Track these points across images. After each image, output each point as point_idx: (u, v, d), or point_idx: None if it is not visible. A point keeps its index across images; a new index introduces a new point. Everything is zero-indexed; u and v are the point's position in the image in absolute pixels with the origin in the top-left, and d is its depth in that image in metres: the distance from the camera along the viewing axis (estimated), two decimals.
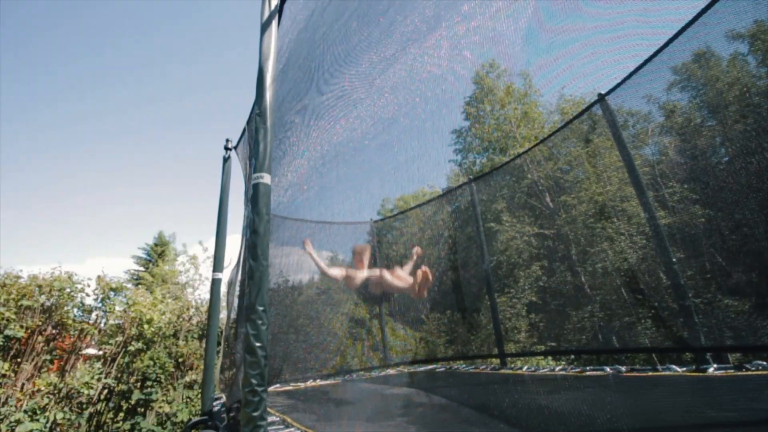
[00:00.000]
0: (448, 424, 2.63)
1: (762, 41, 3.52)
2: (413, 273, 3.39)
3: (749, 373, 2.65)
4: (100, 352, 6.01)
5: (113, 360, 5.83)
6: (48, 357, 5.42)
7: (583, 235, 7.70)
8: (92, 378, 5.32)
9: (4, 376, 4.84)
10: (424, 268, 3.08)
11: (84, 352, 5.97)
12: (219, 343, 4.63)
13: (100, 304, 6.22)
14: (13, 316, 5.09)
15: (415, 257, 3.60)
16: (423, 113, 3.63)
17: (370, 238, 6.96)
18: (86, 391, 5.20)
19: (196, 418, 3.66)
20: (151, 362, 5.69)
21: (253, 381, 1.57)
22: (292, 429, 2.53)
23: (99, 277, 6.32)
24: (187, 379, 6.14)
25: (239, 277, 3.07)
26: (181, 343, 6.39)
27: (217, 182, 4.26)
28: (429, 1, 2.88)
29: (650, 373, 3.10)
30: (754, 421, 1.85)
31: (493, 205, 8.31)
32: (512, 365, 4.86)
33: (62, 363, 5.66)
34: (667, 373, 3.04)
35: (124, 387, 5.55)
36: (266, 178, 1.69)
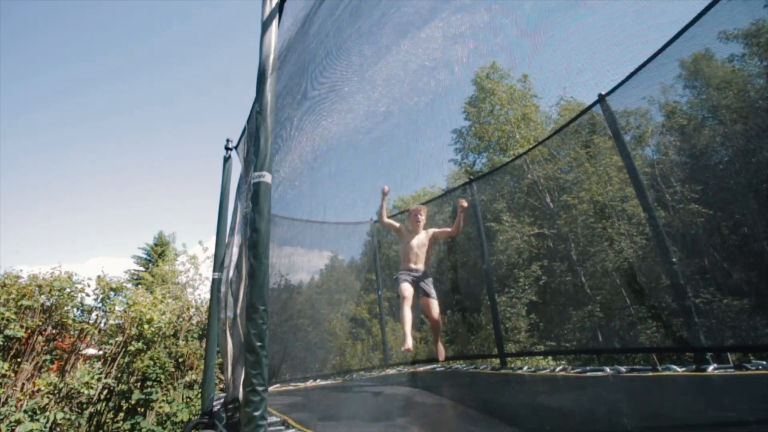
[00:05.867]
0: (449, 424, 2.62)
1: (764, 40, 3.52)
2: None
3: (749, 372, 2.65)
4: (100, 352, 6.01)
5: (113, 360, 5.82)
6: (48, 357, 5.41)
7: (583, 235, 7.70)
8: (92, 378, 5.31)
9: (4, 376, 4.84)
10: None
11: (84, 352, 5.97)
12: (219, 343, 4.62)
13: (100, 304, 6.22)
14: (13, 316, 5.08)
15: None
16: (422, 111, 3.63)
17: (370, 238, 6.96)
18: (86, 391, 5.20)
19: (196, 419, 3.66)
20: (151, 362, 5.69)
21: (254, 381, 1.57)
22: (292, 430, 2.53)
23: (99, 277, 6.32)
24: (187, 379, 6.14)
25: (231, 276, 3.06)
26: (181, 343, 6.39)
27: (218, 182, 4.25)
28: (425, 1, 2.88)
29: (650, 373, 3.09)
30: (755, 421, 1.84)
31: (493, 205, 8.31)
32: (512, 365, 4.86)
33: (62, 363, 5.65)
34: (667, 372, 3.04)
35: (124, 387, 5.54)
36: (267, 177, 1.68)
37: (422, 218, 3.78)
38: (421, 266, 3.69)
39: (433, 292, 3.59)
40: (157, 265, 21.21)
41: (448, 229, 3.83)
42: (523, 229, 8.99)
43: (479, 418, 2.61)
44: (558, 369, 3.83)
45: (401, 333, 3.26)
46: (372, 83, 3.09)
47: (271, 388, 4.41)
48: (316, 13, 2.48)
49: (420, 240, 3.74)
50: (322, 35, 2.60)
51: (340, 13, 2.52)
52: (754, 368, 2.69)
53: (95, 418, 5.34)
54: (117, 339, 5.93)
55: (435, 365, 5.23)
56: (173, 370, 6.02)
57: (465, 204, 3.70)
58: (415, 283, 3.56)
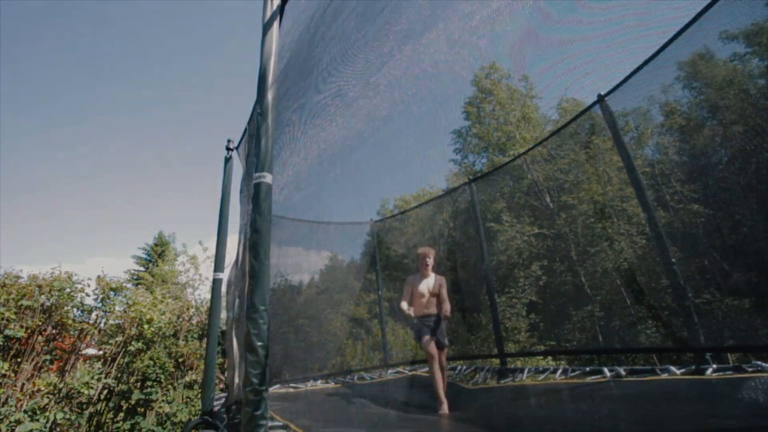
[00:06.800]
0: (448, 428, 2.62)
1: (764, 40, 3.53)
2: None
3: (748, 375, 2.65)
4: (100, 352, 6.00)
5: (113, 360, 5.82)
6: (48, 357, 5.41)
7: (583, 235, 7.70)
8: (92, 378, 5.31)
9: (4, 376, 4.84)
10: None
11: (84, 352, 5.97)
12: (219, 343, 4.62)
13: (100, 304, 6.21)
14: (13, 316, 5.08)
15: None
16: (421, 112, 3.64)
17: (370, 238, 6.96)
18: (86, 391, 5.20)
19: (196, 419, 3.66)
20: (151, 362, 5.69)
21: (254, 380, 1.58)
22: None
23: (99, 277, 6.31)
24: (187, 379, 6.14)
25: (237, 277, 3.07)
26: (181, 343, 6.39)
27: (218, 182, 4.26)
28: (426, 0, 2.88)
29: (649, 377, 3.07)
30: (756, 427, 1.84)
31: (493, 205, 8.31)
32: (512, 365, 4.86)
33: (62, 363, 5.65)
34: (666, 375, 3.03)
35: (124, 387, 5.54)
36: (268, 178, 1.69)
37: (430, 261, 3.75)
38: (434, 310, 3.63)
39: (446, 341, 3.58)
40: (157, 265, 21.22)
41: (447, 303, 3.66)
42: (523, 229, 8.99)
43: (478, 421, 2.61)
44: (558, 370, 3.83)
45: (435, 396, 3.28)
46: (376, 88, 3.10)
47: (271, 390, 4.41)
48: (322, 16, 2.48)
49: (429, 286, 3.66)
50: (327, 40, 2.60)
51: (344, 18, 2.52)
52: (753, 369, 2.69)
53: (95, 418, 5.35)
54: (117, 339, 5.93)
55: None
56: (173, 370, 6.02)
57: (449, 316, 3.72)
58: (433, 332, 3.53)
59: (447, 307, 3.53)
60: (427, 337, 3.47)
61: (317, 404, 3.90)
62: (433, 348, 3.41)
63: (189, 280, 13.75)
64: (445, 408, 3.18)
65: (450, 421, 2.93)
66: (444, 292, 3.64)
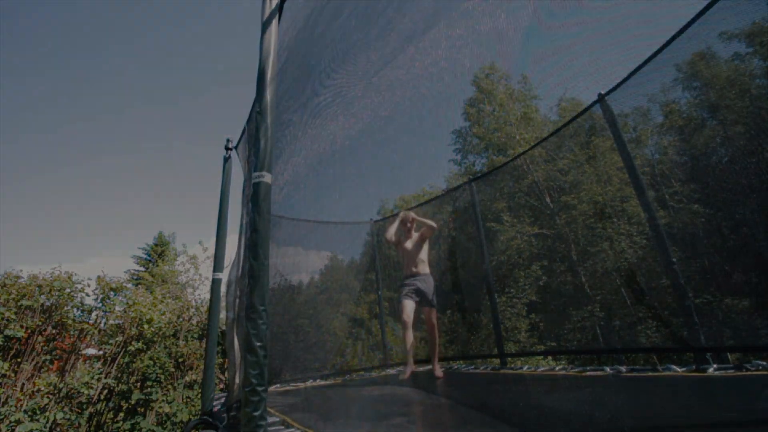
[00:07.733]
0: (448, 424, 2.62)
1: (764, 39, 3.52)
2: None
3: (749, 373, 2.65)
4: (100, 352, 6.00)
5: (113, 360, 5.82)
6: (48, 357, 5.41)
7: (583, 234, 7.70)
8: (92, 378, 5.31)
9: (4, 376, 4.84)
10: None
11: (84, 352, 5.96)
12: (219, 343, 4.61)
13: (100, 304, 6.21)
14: (13, 316, 5.08)
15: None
16: (424, 115, 3.64)
17: (370, 238, 6.96)
18: (86, 391, 5.20)
19: (196, 419, 3.66)
20: (151, 362, 5.69)
21: (254, 381, 1.57)
22: (292, 429, 2.52)
23: (99, 277, 6.31)
24: (187, 379, 6.13)
25: (237, 277, 3.07)
26: (181, 343, 6.38)
27: (218, 182, 4.25)
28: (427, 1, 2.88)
29: (650, 374, 3.10)
30: (755, 421, 1.84)
31: (493, 205, 8.30)
32: (512, 365, 4.86)
33: (62, 363, 5.65)
34: (667, 373, 3.04)
35: (124, 387, 5.54)
36: (267, 177, 1.69)
37: (411, 225, 3.86)
38: (421, 269, 3.70)
39: (434, 300, 3.59)
40: (157, 265, 21.23)
41: (425, 228, 3.82)
42: (523, 229, 8.99)
43: (478, 417, 2.61)
44: (558, 369, 3.83)
45: (402, 343, 3.31)
46: (377, 88, 3.11)
47: (270, 389, 4.41)
48: (321, 13, 2.48)
49: (413, 242, 3.81)
50: (328, 39, 2.61)
51: (345, 17, 2.52)
52: (754, 368, 2.69)
53: (95, 418, 5.34)
54: (117, 339, 5.93)
55: None
56: (173, 370, 6.01)
57: (401, 216, 3.91)
58: (418, 293, 3.56)
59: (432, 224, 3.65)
60: (407, 302, 3.49)
61: (315, 399, 3.91)
62: (407, 314, 3.43)
63: (189, 280, 13.73)
64: (407, 372, 3.19)
65: (447, 407, 2.93)
66: (423, 230, 3.73)
